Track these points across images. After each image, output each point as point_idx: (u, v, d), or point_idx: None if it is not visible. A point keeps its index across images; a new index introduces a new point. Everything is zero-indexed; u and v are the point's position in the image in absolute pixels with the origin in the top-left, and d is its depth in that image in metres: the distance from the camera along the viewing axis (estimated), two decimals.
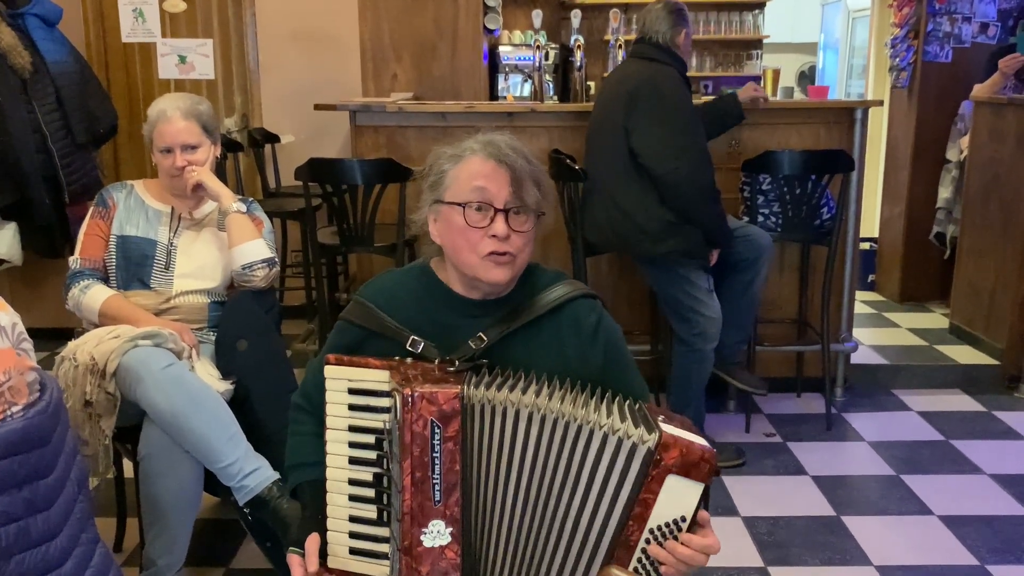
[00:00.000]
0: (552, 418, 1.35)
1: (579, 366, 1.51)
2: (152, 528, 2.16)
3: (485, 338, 1.49)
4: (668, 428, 1.32)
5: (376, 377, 1.42)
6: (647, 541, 1.32)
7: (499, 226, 1.46)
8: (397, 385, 1.37)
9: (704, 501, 1.33)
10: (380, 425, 1.41)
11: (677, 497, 1.31)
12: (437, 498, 1.35)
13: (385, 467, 1.41)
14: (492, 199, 1.46)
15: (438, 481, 1.35)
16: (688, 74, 3.15)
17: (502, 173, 1.46)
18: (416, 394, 1.33)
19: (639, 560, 1.33)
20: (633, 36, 6.81)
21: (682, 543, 1.32)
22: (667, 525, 1.32)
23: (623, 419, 1.34)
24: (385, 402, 1.40)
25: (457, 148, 1.52)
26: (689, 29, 3.16)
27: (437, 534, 1.36)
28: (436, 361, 1.46)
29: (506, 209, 1.46)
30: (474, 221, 1.47)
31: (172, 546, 2.16)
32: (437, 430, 1.34)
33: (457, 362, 1.46)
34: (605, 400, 1.40)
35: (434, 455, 1.35)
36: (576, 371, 1.48)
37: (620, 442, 1.31)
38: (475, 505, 1.38)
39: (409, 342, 1.48)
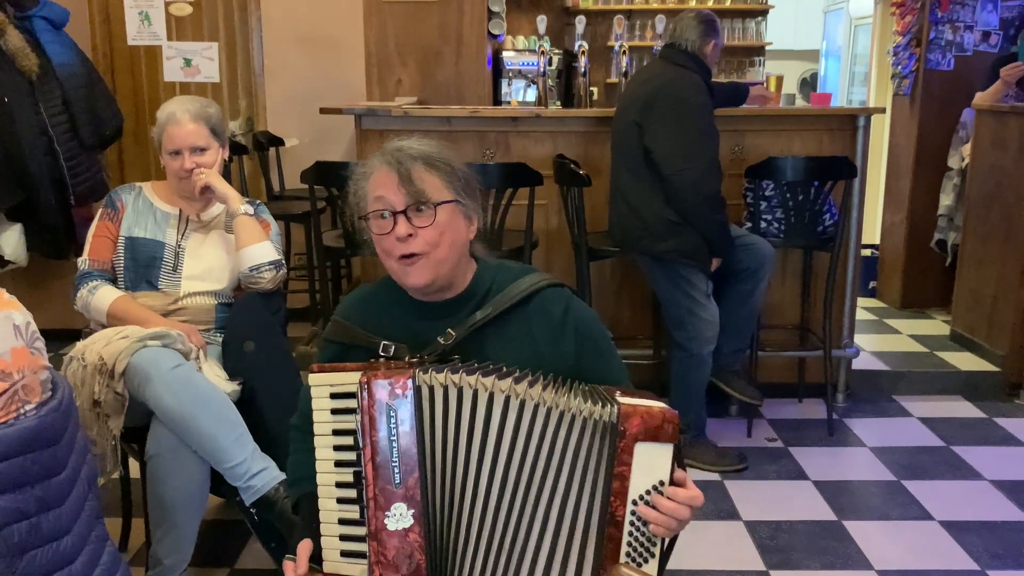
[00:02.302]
0: (518, 401, 1.38)
1: (552, 355, 1.54)
2: (159, 527, 2.18)
3: (453, 333, 1.53)
4: (625, 400, 1.36)
5: (352, 379, 1.45)
6: (633, 513, 1.37)
7: (399, 228, 1.50)
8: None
9: (677, 460, 1.37)
10: (355, 425, 1.45)
11: (650, 463, 1.35)
12: (397, 481, 1.39)
13: (361, 463, 1.44)
14: (390, 204, 1.51)
15: (397, 464, 1.39)
16: None
17: (392, 176, 1.51)
18: (371, 381, 1.39)
19: (630, 534, 1.37)
20: (636, 42, 6.88)
21: (668, 497, 1.36)
22: (648, 493, 1.36)
23: (584, 400, 1.39)
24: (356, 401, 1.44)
25: (366, 165, 1.57)
26: (719, 40, 3.21)
27: (400, 517, 1.39)
28: (407, 359, 1.50)
29: (404, 210, 1.50)
30: (379, 229, 1.52)
31: (179, 545, 2.18)
32: (392, 414, 1.39)
33: (427, 357, 1.50)
34: (567, 385, 1.44)
35: (392, 438, 1.39)
36: (549, 361, 1.51)
37: (584, 421, 1.37)
38: (439, 486, 1.41)
39: (381, 347, 1.52)
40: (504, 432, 1.39)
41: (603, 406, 1.36)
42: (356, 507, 1.46)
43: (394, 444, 1.39)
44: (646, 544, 1.38)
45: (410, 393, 1.39)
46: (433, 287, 1.55)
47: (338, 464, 1.47)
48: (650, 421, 1.34)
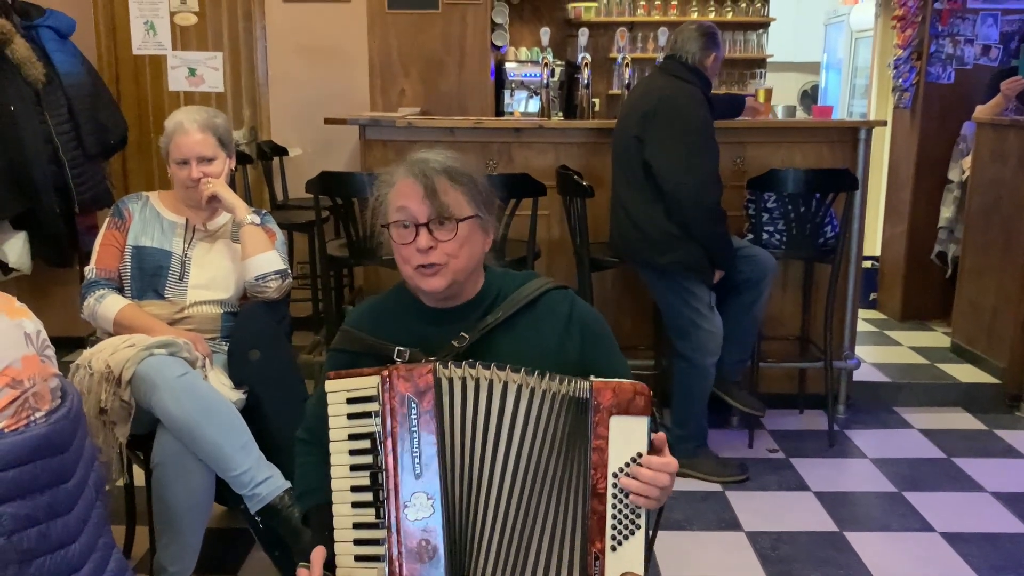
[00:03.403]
0: (528, 389, 1.43)
1: (558, 355, 1.58)
2: (164, 535, 2.18)
3: (467, 336, 1.57)
4: (598, 379, 1.42)
5: (370, 383, 1.47)
6: (614, 486, 1.41)
7: (420, 240, 1.54)
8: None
9: (654, 431, 1.42)
10: (374, 429, 1.46)
11: (627, 436, 1.40)
12: (418, 471, 1.42)
13: (380, 465, 1.45)
14: (413, 216, 1.54)
15: (418, 454, 1.42)
16: None
17: (417, 189, 1.54)
18: (393, 375, 1.43)
19: (614, 507, 1.42)
20: (639, 55, 6.91)
21: (644, 466, 1.41)
22: (627, 465, 1.41)
23: (558, 381, 1.45)
24: (377, 406, 1.46)
25: (390, 174, 1.60)
26: (719, 53, 3.21)
27: (420, 506, 1.42)
28: (423, 361, 1.52)
29: (427, 222, 1.54)
30: (400, 238, 1.56)
31: (183, 553, 2.18)
32: (413, 405, 1.42)
33: (442, 359, 1.52)
34: (546, 373, 1.47)
35: (413, 429, 1.42)
36: (556, 360, 1.55)
37: (555, 397, 1.44)
38: (457, 475, 1.44)
39: (396, 352, 1.55)
40: (516, 419, 1.44)
41: (575, 384, 1.43)
42: (371, 510, 1.47)
43: (415, 435, 1.42)
44: (631, 516, 1.42)
45: (431, 385, 1.42)
46: (447, 293, 1.58)
47: (354, 468, 1.49)
48: (622, 394, 1.39)
